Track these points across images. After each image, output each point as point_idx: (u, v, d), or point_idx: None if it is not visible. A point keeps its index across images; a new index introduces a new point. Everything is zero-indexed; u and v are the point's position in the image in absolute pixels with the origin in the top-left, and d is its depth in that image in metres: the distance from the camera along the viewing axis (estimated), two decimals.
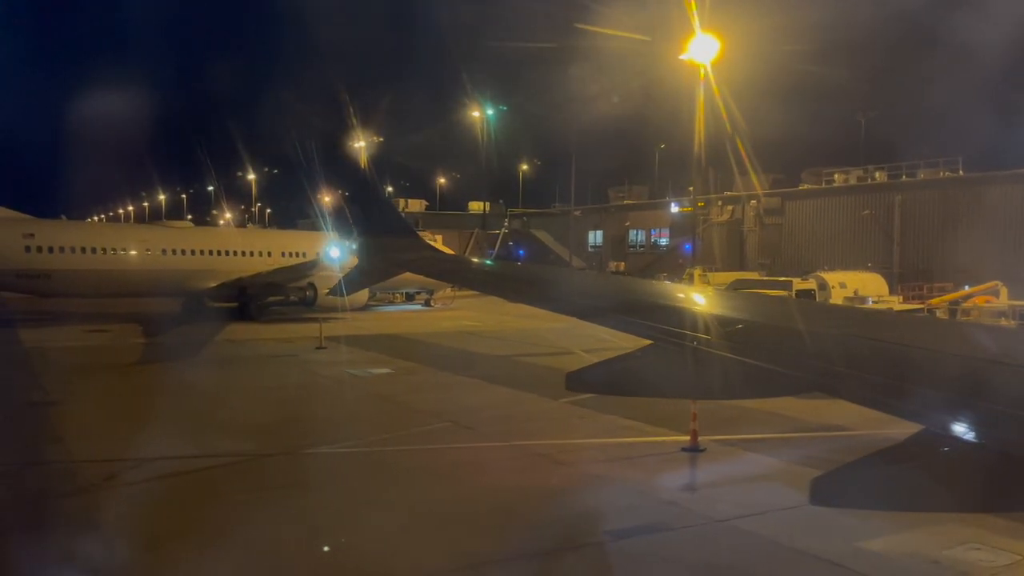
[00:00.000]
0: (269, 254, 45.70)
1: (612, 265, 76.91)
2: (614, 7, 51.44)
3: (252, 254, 45.31)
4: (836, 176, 63.56)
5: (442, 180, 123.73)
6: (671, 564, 9.83)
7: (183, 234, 45.41)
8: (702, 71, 52.03)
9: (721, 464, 14.44)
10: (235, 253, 44.66)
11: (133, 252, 41.00)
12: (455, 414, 18.68)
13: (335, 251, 38.20)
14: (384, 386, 22.86)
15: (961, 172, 55.13)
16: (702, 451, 15.06)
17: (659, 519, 11.40)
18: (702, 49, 52.23)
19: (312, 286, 42.89)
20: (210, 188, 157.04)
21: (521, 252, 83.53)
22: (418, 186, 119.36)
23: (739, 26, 51.35)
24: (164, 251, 42.07)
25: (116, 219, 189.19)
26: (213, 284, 42.81)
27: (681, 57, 54.23)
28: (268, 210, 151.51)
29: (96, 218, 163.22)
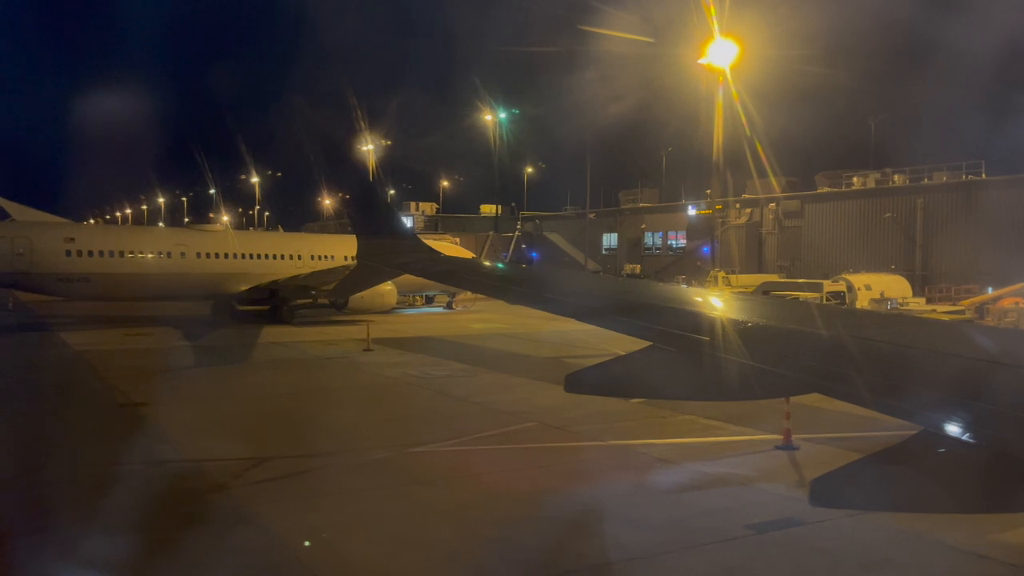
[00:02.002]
0: (299, 257, 46.03)
1: (628, 268, 77.37)
2: (622, 11, 51.90)
3: (283, 257, 45.67)
4: (855, 180, 64.07)
5: (445, 183, 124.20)
6: (824, 556, 10.20)
7: (216, 237, 45.67)
8: (721, 75, 52.68)
9: (822, 461, 14.80)
10: (266, 256, 45.03)
11: (169, 255, 41.28)
12: (536, 414, 19.00)
13: None
14: (452, 387, 23.16)
15: (984, 175, 55.75)
16: (796, 449, 15.46)
17: (790, 514, 11.75)
18: (720, 53, 52.87)
19: None
20: (212, 191, 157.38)
21: (534, 255, 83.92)
22: (421, 189, 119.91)
23: (746, 30, 51.83)
24: (199, 254, 42.37)
25: (113, 221, 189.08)
26: (245, 287, 43.16)
27: (699, 61, 54.90)
28: (267, 213, 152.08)
29: (93, 220, 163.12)
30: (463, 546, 10.44)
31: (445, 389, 22.99)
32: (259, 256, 44.65)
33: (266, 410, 19.63)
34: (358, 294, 43.40)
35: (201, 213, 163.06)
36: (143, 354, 30.10)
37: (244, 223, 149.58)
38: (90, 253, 38.30)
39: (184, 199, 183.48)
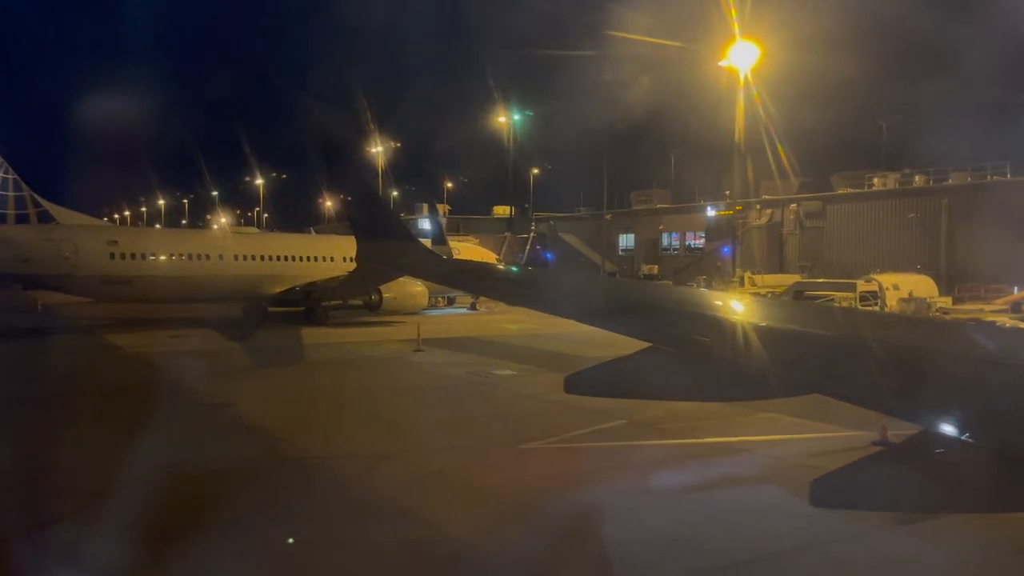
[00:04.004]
0: (331, 259, 46.28)
1: (645, 268, 77.78)
2: (634, 11, 52.22)
3: (315, 259, 45.95)
4: (876, 180, 64.62)
5: (449, 184, 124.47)
6: (980, 546, 10.51)
7: (251, 240, 46.01)
8: (739, 78, 53.02)
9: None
10: (300, 258, 45.34)
11: (208, 258, 41.51)
12: (619, 412, 19.20)
13: None
14: (521, 386, 23.41)
15: (1008, 175, 56.33)
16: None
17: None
18: (741, 55, 53.20)
19: (378, 290, 43.72)
20: (214, 193, 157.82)
21: (549, 256, 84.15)
22: (427, 190, 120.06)
23: (752, 30, 51.96)
24: (236, 257, 42.61)
25: (111, 223, 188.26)
26: (280, 289, 43.42)
27: (720, 63, 55.23)
28: (265, 215, 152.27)
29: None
30: (630, 538, 10.74)
31: (516, 388, 23.27)
32: (294, 258, 44.98)
33: (355, 409, 19.92)
34: (391, 295, 43.84)
35: (200, 215, 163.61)
36: (198, 355, 30.19)
37: (242, 225, 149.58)
38: (132, 256, 38.56)
39: (185, 201, 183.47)
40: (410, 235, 11.53)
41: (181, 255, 40.76)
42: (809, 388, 4.45)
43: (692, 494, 12.87)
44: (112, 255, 37.76)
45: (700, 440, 16.58)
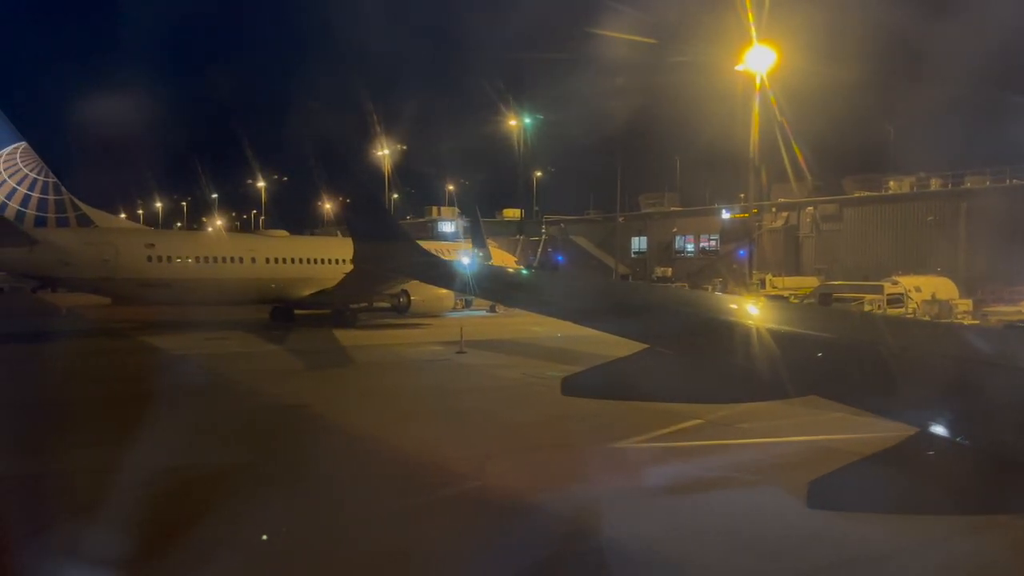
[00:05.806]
0: None
1: (659, 271, 78.13)
2: (643, 15, 52.42)
3: (344, 261, 46.18)
4: (892, 184, 65.22)
5: (451, 187, 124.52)
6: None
7: (282, 243, 46.24)
8: (758, 81, 53.34)
9: None
10: (330, 261, 45.57)
11: (241, 260, 41.79)
12: (690, 413, 19.52)
13: (465, 259, 39.10)
14: None
15: None
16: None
17: None
18: (758, 59, 53.53)
19: (406, 293, 44.01)
20: (214, 195, 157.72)
21: (559, 258, 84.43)
22: (428, 193, 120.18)
23: (758, 34, 52.13)
24: (268, 260, 42.92)
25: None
26: (309, 292, 43.68)
27: (737, 68, 55.54)
28: (263, 218, 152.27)
29: None
30: (753, 531, 11.10)
31: None
32: (323, 261, 45.23)
33: (429, 409, 20.13)
34: (418, 298, 44.13)
35: (197, 218, 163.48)
36: (245, 358, 30.42)
37: (239, 228, 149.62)
38: (169, 259, 38.84)
39: (183, 204, 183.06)
40: (408, 237, 11.52)
41: (216, 258, 41.03)
42: (806, 389, 4.49)
43: (798, 492, 13.18)
44: (149, 258, 38.04)
45: (788, 439, 16.83)
